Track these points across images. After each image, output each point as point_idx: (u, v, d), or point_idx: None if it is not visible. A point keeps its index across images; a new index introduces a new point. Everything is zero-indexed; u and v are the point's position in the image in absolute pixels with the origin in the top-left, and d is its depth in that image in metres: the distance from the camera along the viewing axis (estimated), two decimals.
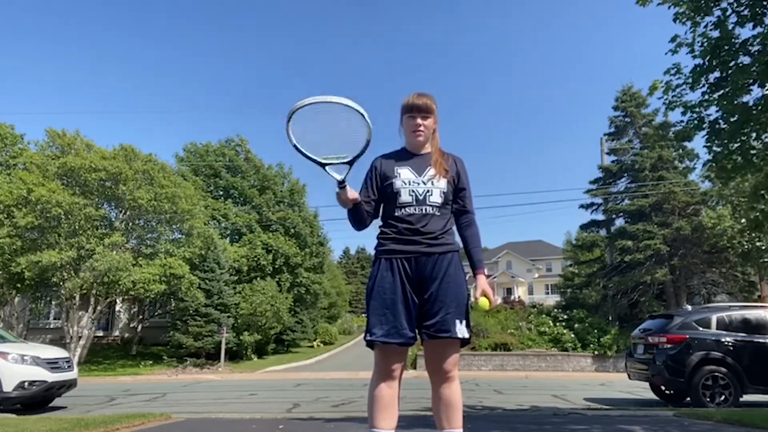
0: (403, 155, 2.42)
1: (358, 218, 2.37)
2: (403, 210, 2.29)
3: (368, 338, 2.24)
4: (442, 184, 2.31)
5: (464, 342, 2.24)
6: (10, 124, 22.45)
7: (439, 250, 2.25)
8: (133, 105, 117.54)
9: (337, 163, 2.26)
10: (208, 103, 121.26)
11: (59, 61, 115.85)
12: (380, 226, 2.38)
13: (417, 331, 2.25)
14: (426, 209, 2.28)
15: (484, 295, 2.26)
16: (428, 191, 2.29)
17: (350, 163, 2.27)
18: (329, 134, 2.26)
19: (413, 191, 2.29)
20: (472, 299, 2.35)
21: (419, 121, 2.34)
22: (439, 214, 2.29)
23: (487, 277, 2.39)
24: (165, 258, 19.37)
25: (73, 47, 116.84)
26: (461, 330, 2.20)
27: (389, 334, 2.18)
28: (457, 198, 2.39)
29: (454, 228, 2.39)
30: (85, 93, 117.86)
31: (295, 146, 2.27)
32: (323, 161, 2.27)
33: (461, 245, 2.41)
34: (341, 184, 2.24)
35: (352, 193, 2.28)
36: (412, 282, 2.23)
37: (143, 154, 20.66)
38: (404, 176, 2.32)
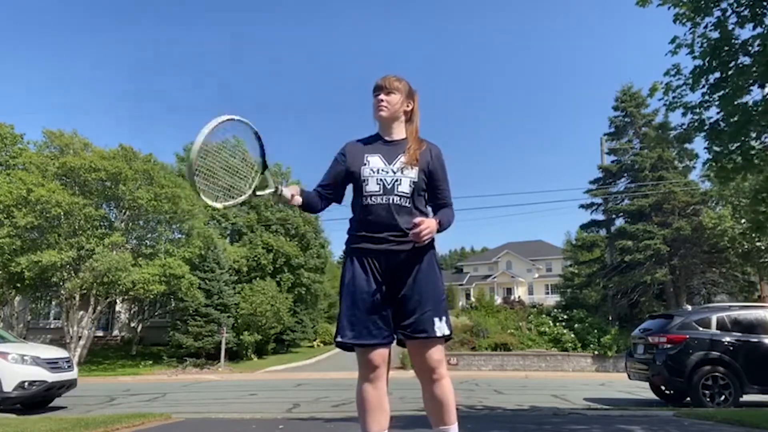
0: (376, 141, 2.33)
1: (311, 207, 2.32)
2: (369, 199, 2.20)
3: (338, 339, 2.17)
4: (413, 173, 2.20)
5: (447, 339, 2.19)
6: (9, 124, 22.46)
7: (409, 246, 2.15)
8: (132, 104, 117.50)
9: (258, 185, 2.19)
10: (208, 103, 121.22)
11: (59, 60, 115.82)
12: (350, 219, 2.31)
13: (396, 331, 2.17)
14: (393, 199, 2.17)
15: (420, 222, 2.08)
16: (397, 180, 2.19)
17: (263, 170, 2.18)
18: (231, 171, 2.18)
19: (381, 180, 2.19)
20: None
21: (382, 96, 2.29)
22: (408, 205, 2.19)
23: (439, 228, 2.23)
24: (165, 258, 19.38)
25: (72, 47, 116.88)
26: (440, 328, 2.13)
27: (360, 335, 2.11)
28: (434, 190, 2.30)
29: None
30: (84, 93, 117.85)
31: (222, 207, 2.19)
32: (248, 195, 2.19)
33: (435, 240, 2.29)
34: (275, 194, 2.18)
35: (291, 193, 2.19)
36: (384, 280, 2.16)
37: (142, 154, 20.69)
38: (373, 164, 2.22)
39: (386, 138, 2.32)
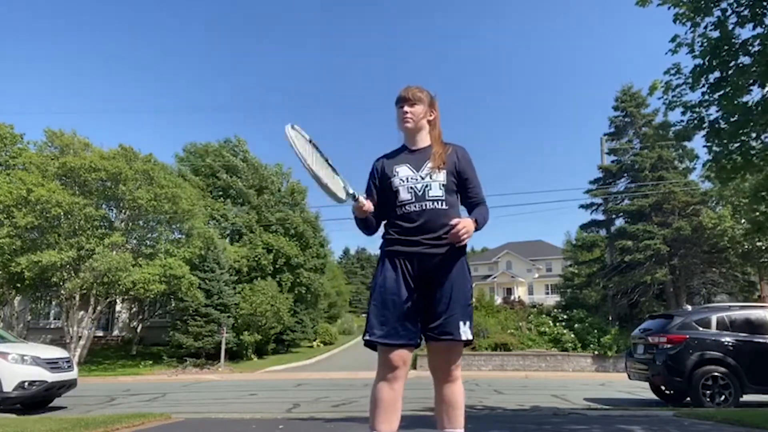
0: (402, 152, 2.41)
1: (368, 225, 2.39)
2: (403, 208, 2.27)
3: (366, 338, 2.22)
4: (441, 176, 2.27)
5: (467, 343, 2.23)
6: (9, 124, 22.44)
7: (442, 250, 2.21)
8: (132, 105, 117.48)
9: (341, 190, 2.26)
10: (208, 103, 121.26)
11: (58, 61, 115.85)
12: (385, 226, 2.37)
13: (422, 332, 2.22)
14: (426, 204, 2.24)
15: (457, 223, 2.15)
16: (427, 186, 2.26)
17: (348, 194, 2.25)
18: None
19: (412, 188, 2.27)
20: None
21: (406, 108, 2.36)
22: (443, 207, 2.25)
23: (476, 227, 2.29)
24: (165, 258, 19.37)
25: (71, 47, 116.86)
26: (465, 332, 2.19)
27: (388, 335, 2.16)
28: (465, 190, 2.36)
29: None
30: (83, 93, 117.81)
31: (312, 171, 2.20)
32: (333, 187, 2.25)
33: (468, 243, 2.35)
34: (354, 197, 2.25)
35: (367, 203, 2.28)
36: (415, 282, 2.20)
37: (142, 154, 20.70)
38: (402, 174, 2.30)
39: (412, 147, 2.40)
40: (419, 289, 2.21)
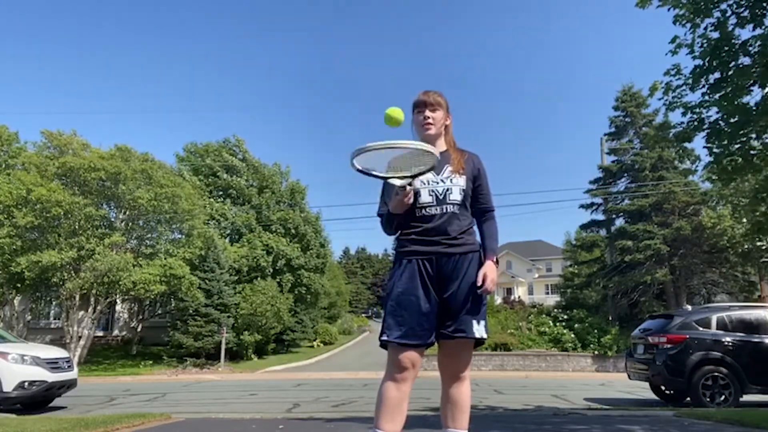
0: None
1: (396, 224, 2.34)
2: (424, 210, 2.29)
3: (383, 338, 2.21)
4: (461, 181, 2.31)
5: (479, 342, 2.25)
6: (2, 124, 22.45)
7: (459, 250, 2.24)
8: (132, 105, 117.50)
9: (399, 176, 2.19)
10: (208, 103, 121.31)
11: (56, 60, 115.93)
12: (401, 226, 2.36)
13: (436, 330, 2.23)
14: (447, 208, 2.28)
15: (484, 278, 2.20)
16: (448, 189, 2.29)
17: (412, 177, 2.19)
18: (391, 159, 2.21)
19: (433, 191, 2.29)
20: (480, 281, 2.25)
21: (428, 113, 2.36)
22: (459, 212, 2.29)
23: (496, 262, 2.34)
24: (165, 258, 19.37)
25: (71, 47, 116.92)
26: (478, 330, 2.21)
27: (405, 335, 2.17)
28: (477, 196, 2.39)
29: (475, 227, 2.39)
30: (81, 93, 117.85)
31: (359, 170, 2.17)
32: (384, 175, 2.21)
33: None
34: (402, 188, 2.18)
35: (409, 198, 2.22)
36: (432, 283, 2.22)
37: (139, 153, 20.68)
38: (424, 176, 2.30)
39: None
40: (435, 289, 2.23)
